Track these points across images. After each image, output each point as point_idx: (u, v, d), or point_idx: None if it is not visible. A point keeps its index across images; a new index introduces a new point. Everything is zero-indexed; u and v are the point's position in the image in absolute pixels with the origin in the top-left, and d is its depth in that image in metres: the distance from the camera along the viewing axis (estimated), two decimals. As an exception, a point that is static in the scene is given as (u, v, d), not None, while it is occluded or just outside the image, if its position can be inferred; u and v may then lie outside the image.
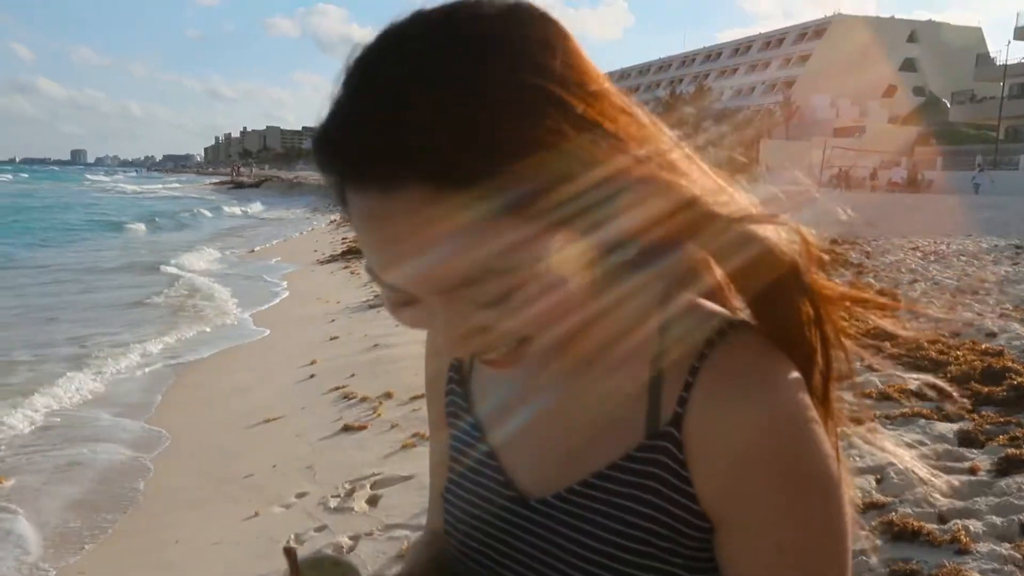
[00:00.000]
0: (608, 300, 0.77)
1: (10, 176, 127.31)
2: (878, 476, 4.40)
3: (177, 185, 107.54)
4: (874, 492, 4.21)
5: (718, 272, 0.83)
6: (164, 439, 6.35)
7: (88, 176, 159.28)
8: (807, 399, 0.74)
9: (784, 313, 0.77)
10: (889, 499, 4.09)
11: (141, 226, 32.16)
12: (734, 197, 0.77)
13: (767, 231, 0.76)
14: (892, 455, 0.88)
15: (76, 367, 8.44)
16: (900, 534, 3.68)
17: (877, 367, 0.88)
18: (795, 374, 0.74)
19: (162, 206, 50.87)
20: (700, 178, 0.75)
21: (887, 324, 0.81)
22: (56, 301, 13.40)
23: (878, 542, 3.67)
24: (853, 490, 0.81)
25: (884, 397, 5.69)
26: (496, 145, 0.63)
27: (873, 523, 3.83)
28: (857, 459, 4.66)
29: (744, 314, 0.81)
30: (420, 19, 0.67)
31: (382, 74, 0.65)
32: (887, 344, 5.11)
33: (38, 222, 33.86)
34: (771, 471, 0.72)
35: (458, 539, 0.89)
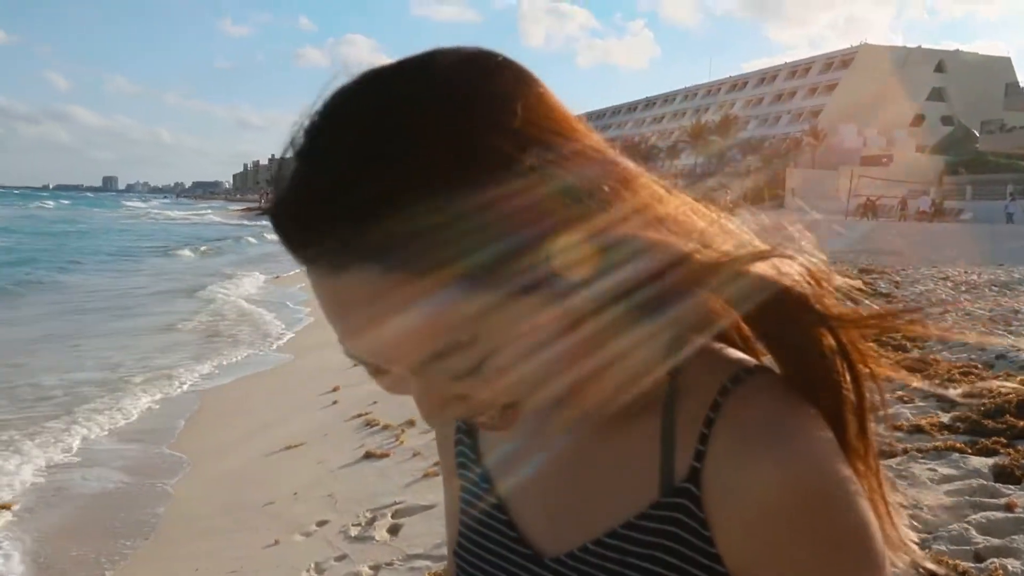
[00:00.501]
0: (609, 352, 0.72)
1: (51, 203, 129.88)
2: (910, 512, 4.29)
3: (209, 211, 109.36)
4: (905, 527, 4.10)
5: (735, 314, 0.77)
6: (185, 465, 6.34)
7: (125, 203, 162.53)
8: (835, 450, 0.67)
9: (803, 347, 0.71)
10: (923, 535, 3.98)
11: (187, 252, 32.60)
12: (733, 237, 0.71)
13: (768, 268, 0.70)
14: None
15: (106, 391, 8.48)
16: (934, 572, 3.57)
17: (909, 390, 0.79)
18: (819, 422, 0.68)
19: (203, 232, 51.68)
20: (692, 224, 0.70)
21: (918, 330, 0.74)
22: (94, 326, 13.53)
23: (912, 580, 3.56)
24: (909, 544, 0.77)
25: (916, 430, 5.57)
26: (443, 220, 0.58)
27: (906, 559, 3.73)
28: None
29: (767, 359, 0.75)
30: (367, 82, 0.63)
31: (323, 147, 0.61)
32: (918, 375, 5.01)
33: (90, 247, 34.31)
34: (799, 535, 0.66)
35: None
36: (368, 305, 0.60)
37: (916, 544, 0.77)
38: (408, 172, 0.58)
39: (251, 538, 4.80)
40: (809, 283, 0.71)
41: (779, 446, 0.66)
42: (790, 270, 0.70)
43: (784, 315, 0.70)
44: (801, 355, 0.71)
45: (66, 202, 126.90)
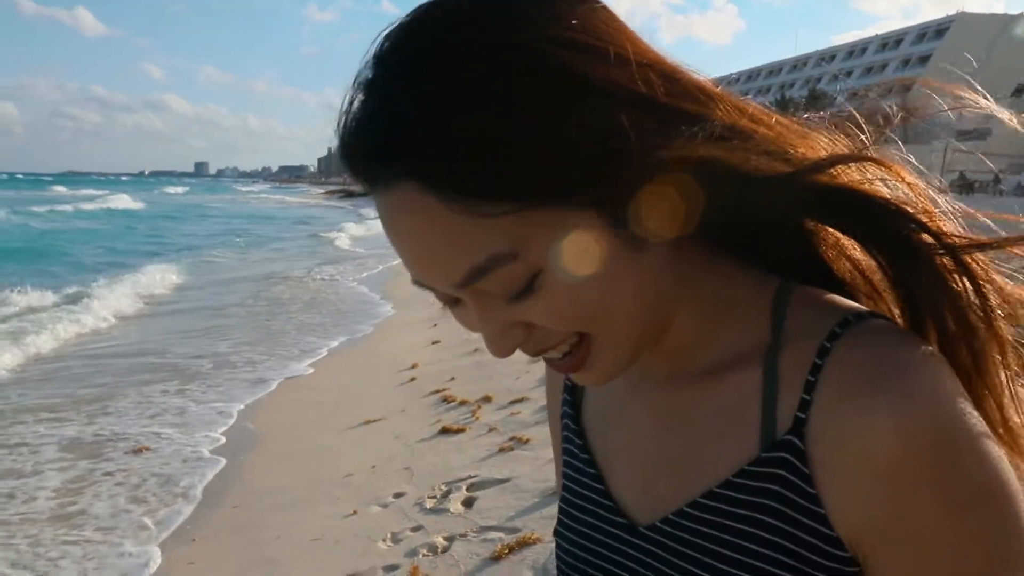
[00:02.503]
0: (706, 289, 0.70)
1: (181, 188, 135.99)
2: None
3: (315, 192, 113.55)
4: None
5: (848, 264, 0.73)
6: (269, 439, 6.55)
7: (235, 187, 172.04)
8: (959, 392, 0.61)
9: (919, 266, 0.64)
10: None
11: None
12: (818, 143, 0.67)
13: (858, 176, 0.66)
14: None
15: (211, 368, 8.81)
16: None
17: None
18: (941, 363, 0.62)
19: (318, 213, 53.38)
20: (770, 130, 0.65)
21: None
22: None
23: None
24: None
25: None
26: (473, 141, 0.58)
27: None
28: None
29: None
30: (421, 19, 0.63)
31: (378, 77, 0.62)
32: None
33: (246, 232, 35.42)
34: (921, 492, 0.59)
35: (568, 567, 0.82)
36: (414, 220, 0.61)
37: None
38: (450, 93, 0.58)
39: (331, 508, 4.94)
40: (910, 196, 0.66)
41: (896, 391, 0.59)
42: (888, 182, 0.66)
43: (890, 232, 0.66)
44: (918, 275, 0.65)
45: (185, 189, 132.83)
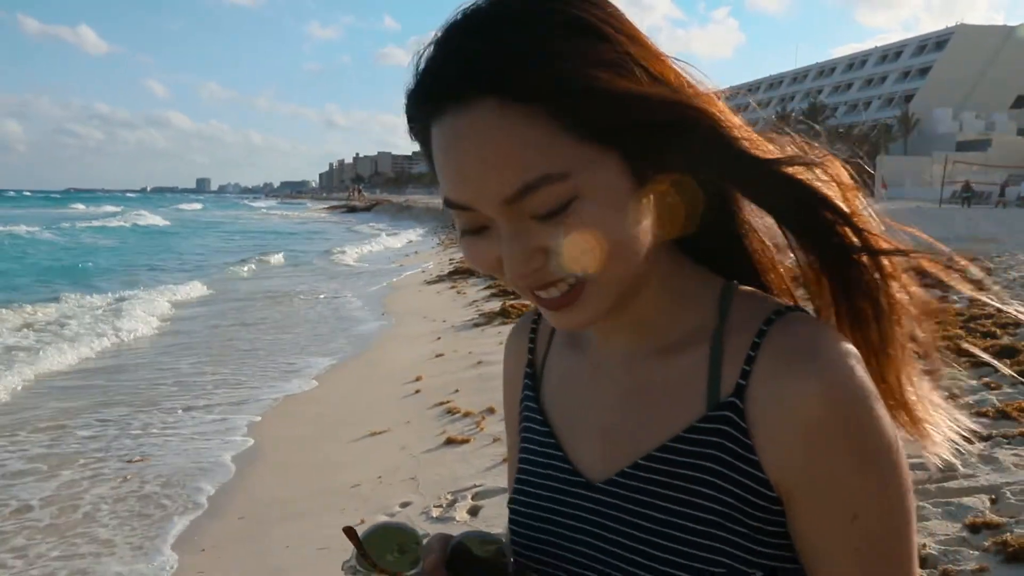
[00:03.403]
0: (669, 276, 0.84)
1: (198, 205, 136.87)
2: (992, 496, 4.22)
3: (319, 208, 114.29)
4: (988, 512, 4.04)
5: (780, 270, 0.89)
6: (275, 451, 6.61)
7: (244, 202, 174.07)
8: (866, 372, 0.76)
9: (838, 260, 0.81)
10: (1005, 519, 3.92)
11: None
12: (772, 143, 0.82)
13: (803, 173, 0.81)
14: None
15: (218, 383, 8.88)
16: (1015, 555, 3.52)
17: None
18: (852, 348, 0.77)
19: (331, 230, 53.88)
20: (740, 125, 0.81)
21: (942, 276, 0.83)
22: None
23: (989, 564, 3.52)
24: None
25: (1002, 415, 5.45)
26: (553, 69, 0.72)
27: (987, 543, 3.68)
28: (970, 479, 4.48)
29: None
30: None
31: (465, 21, 0.76)
32: (1006, 362, 4.95)
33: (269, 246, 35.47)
34: (841, 444, 0.74)
35: (524, 530, 0.92)
36: (485, 136, 0.73)
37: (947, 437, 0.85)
38: (526, 28, 0.74)
39: (338, 518, 5.00)
40: (840, 188, 0.81)
41: (818, 365, 0.75)
42: (825, 177, 0.81)
43: (818, 217, 0.80)
44: (837, 256, 0.81)
45: (200, 206, 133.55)
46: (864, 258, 0.81)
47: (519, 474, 0.96)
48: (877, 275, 0.81)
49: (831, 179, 0.82)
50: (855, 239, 0.80)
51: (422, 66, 0.77)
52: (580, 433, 0.91)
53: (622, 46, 0.76)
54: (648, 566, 0.80)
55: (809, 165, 0.81)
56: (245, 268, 24.65)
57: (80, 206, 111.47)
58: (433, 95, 0.76)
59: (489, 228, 0.77)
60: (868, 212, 0.83)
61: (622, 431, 0.86)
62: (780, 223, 0.84)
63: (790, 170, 0.81)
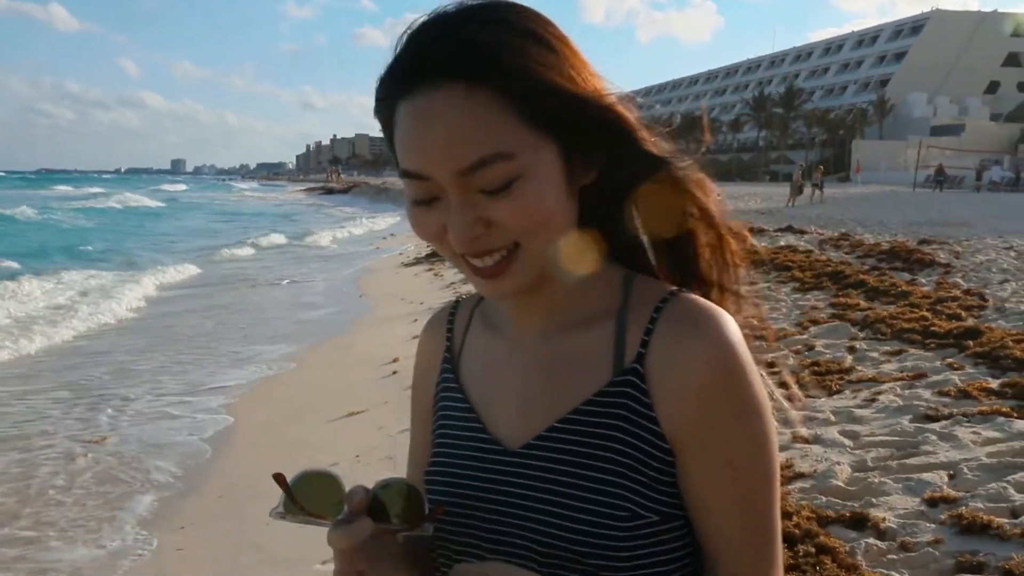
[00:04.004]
0: (581, 260, 0.96)
1: (182, 186, 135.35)
2: (951, 472, 4.37)
3: (297, 190, 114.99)
4: (945, 487, 4.19)
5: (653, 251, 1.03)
6: (253, 431, 6.68)
7: (233, 184, 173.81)
8: (743, 341, 0.91)
9: (691, 242, 0.99)
10: (961, 494, 4.07)
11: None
12: (659, 142, 0.96)
13: (682, 171, 0.96)
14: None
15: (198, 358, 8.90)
16: (969, 527, 3.67)
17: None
18: (732, 321, 0.92)
19: (309, 212, 54.46)
20: (643, 127, 0.95)
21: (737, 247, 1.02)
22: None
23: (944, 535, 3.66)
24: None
25: (964, 395, 5.61)
26: (511, 63, 0.85)
27: (943, 516, 3.82)
28: (930, 456, 4.63)
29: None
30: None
31: (438, 19, 0.88)
32: (969, 343, 5.12)
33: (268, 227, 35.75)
34: (722, 399, 0.88)
35: (442, 497, 0.99)
36: (451, 113, 0.84)
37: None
38: (496, 26, 0.87)
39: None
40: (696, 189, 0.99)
41: (704, 334, 0.89)
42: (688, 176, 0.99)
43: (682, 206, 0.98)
44: (696, 247, 1.00)
45: (185, 187, 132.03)
46: (711, 237, 1.00)
47: (437, 448, 1.05)
48: (718, 242, 1.00)
49: (695, 176, 0.99)
50: (709, 222, 0.99)
51: (397, 53, 0.89)
52: (498, 406, 1.00)
53: (565, 57, 0.89)
54: (560, 514, 0.90)
55: (687, 166, 0.97)
56: (240, 250, 25.01)
57: (65, 187, 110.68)
58: (407, 77, 0.86)
59: (439, 200, 0.88)
60: (717, 200, 1.01)
61: (537, 400, 0.96)
62: (657, 205, 0.98)
63: (677, 168, 0.96)
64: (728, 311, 0.95)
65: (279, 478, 0.91)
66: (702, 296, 0.96)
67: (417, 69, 0.86)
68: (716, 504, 0.90)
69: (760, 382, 0.91)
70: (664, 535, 0.90)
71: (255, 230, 33.45)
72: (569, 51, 0.91)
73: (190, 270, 19.25)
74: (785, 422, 0.99)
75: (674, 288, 0.96)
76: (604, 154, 0.93)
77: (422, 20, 0.89)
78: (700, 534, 0.92)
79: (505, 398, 1.00)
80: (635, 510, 0.89)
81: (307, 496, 0.91)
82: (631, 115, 0.94)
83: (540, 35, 0.89)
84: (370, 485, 0.94)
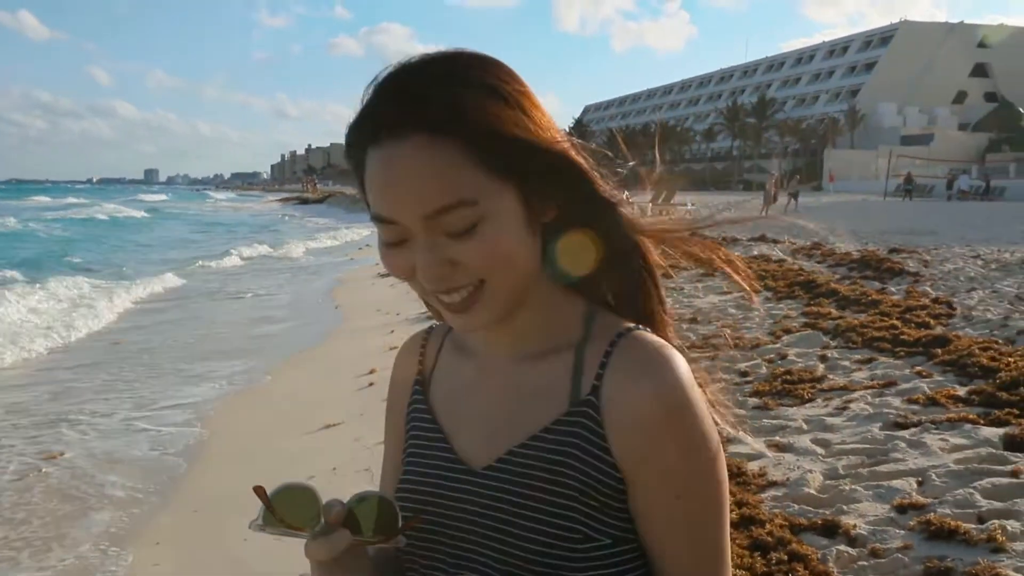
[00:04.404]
0: (546, 298, 1.03)
1: (164, 196, 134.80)
2: (920, 479, 4.45)
3: (272, 200, 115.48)
4: (914, 493, 4.26)
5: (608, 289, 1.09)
6: (228, 445, 6.65)
7: (210, 194, 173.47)
8: (692, 380, 0.96)
9: (632, 279, 1.06)
10: (930, 500, 4.14)
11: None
12: (609, 185, 1.04)
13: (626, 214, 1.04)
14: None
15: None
16: (937, 533, 3.74)
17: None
18: (682, 360, 0.98)
19: (283, 222, 54.92)
20: (591, 168, 1.02)
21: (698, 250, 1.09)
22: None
23: (913, 541, 3.73)
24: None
25: (932, 402, 5.70)
26: (469, 116, 0.91)
27: (912, 523, 3.89)
28: (899, 463, 4.71)
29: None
30: (446, 55, 0.97)
31: (401, 72, 0.94)
32: (938, 351, 5.22)
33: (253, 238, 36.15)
34: (670, 435, 0.93)
35: (412, 511, 1.04)
36: (416, 162, 0.90)
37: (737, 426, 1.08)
38: (459, 85, 0.92)
39: (293, 509, 5.06)
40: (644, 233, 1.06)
41: (654, 373, 0.95)
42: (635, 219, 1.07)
43: (629, 251, 1.06)
44: (642, 286, 1.06)
45: (169, 196, 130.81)
46: (649, 279, 1.07)
47: (407, 467, 1.11)
48: (644, 267, 1.06)
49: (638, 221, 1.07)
50: (647, 254, 1.07)
51: (364, 103, 0.95)
52: (464, 427, 1.07)
53: (523, 109, 0.96)
54: (521, 535, 0.96)
55: (625, 204, 1.06)
56: (224, 261, 25.21)
57: (42, 198, 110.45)
58: (373, 128, 0.93)
59: (408, 241, 0.94)
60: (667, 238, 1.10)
61: (501, 424, 1.02)
62: (606, 243, 1.04)
63: (620, 208, 1.04)
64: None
65: (259, 491, 0.94)
66: (652, 332, 1.02)
67: (382, 121, 0.92)
68: (666, 533, 0.96)
69: (708, 418, 0.96)
70: (616, 557, 0.96)
71: (237, 241, 33.70)
72: (528, 102, 0.97)
73: (172, 281, 19.18)
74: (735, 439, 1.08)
75: (630, 325, 1.02)
76: (559, 191, 0.99)
77: (387, 72, 0.95)
78: (651, 558, 0.98)
79: (471, 420, 1.06)
80: (588, 533, 0.94)
81: (286, 509, 0.95)
82: (583, 161, 1.00)
83: (499, 89, 0.94)
84: (347, 497, 0.98)
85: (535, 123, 0.96)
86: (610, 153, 1.07)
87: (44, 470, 6.10)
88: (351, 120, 0.96)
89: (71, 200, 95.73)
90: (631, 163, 1.09)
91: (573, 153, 0.99)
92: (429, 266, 0.93)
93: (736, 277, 1.10)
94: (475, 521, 1.00)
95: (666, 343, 1.00)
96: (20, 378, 9.29)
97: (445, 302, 0.96)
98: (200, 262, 24.24)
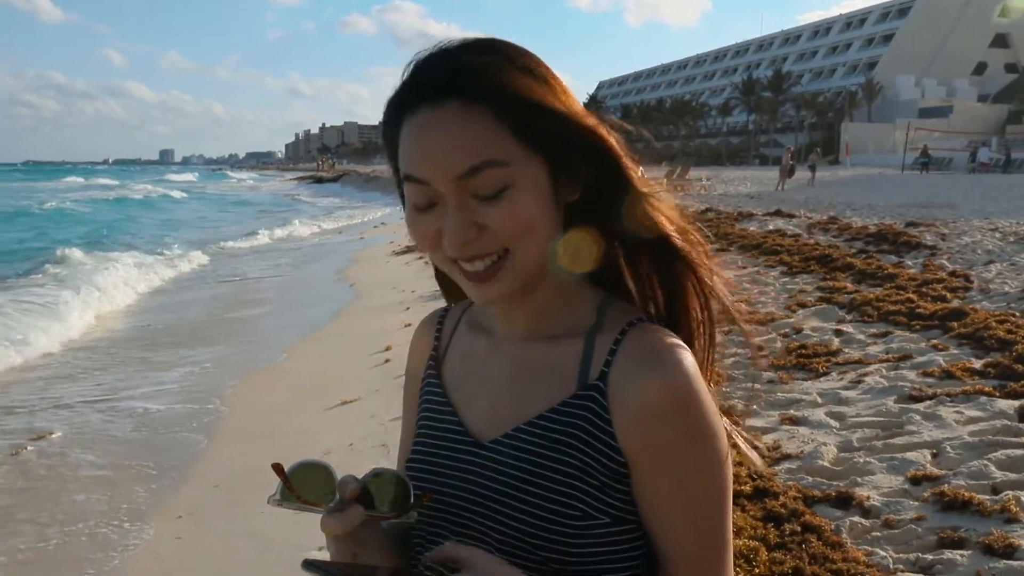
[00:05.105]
0: (563, 282, 1.05)
1: (192, 176, 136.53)
2: (934, 451, 4.46)
3: (289, 179, 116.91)
4: (929, 465, 4.27)
5: (634, 283, 1.10)
6: (246, 422, 6.73)
7: (230, 174, 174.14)
8: (698, 372, 0.98)
9: (671, 283, 1.06)
10: (944, 472, 4.15)
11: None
12: (640, 170, 1.04)
13: (658, 206, 1.04)
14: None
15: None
16: (951, 504, 3.75)
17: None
18: (688, 353, 0.99)
19: (301, 201, 55.70)
20: (626, 153, 1.03)
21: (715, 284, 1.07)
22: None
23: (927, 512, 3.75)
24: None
25: (947, 375, 5.69)
26: (502, 84, 0.95)
27: (926, 494, 3.91)
28: (914, 435, 4.72)
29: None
30: (485, 39, 1.01)
31: (439, 50, 0.98)
32: (954, 324, 5.22)
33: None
34: (674, 424, 0.95)
35: (420, 482, 1.07)
36: (452, 126, 0.93)
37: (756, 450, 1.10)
38: (494, 57, 0.97)
39: (311, 484, 5.12)
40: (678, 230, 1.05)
41: (662, 363, 0.97)
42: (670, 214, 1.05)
43: (658, 244, 1.05)
44: (671, 286, 1.06)
45: (195, 175, 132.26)
46: (694, 278, 1.06)
47: (418, 438, 1.14)
48: (703, 290, 1.06)
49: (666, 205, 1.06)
50: (687, 263, 1.05)
51: (402, 80, 0.99)
52: (474, 402, 1.09)
53: (551, 86, 0.99)
54: (521, 508, 0.98)
55: (657, 192, 1.06)
56: (253, 240, 25.74)
57: (76, 178, 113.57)
58: (411, 99, 0.96)
59: (436, 206, 0.97)
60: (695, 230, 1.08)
61: (509, 401, 1.05)
62: (628, 232, 1.05)
63: (651, 198, 1.04)
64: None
65: (277, 468, 0.97)
66: (663, 326, 1.03)
67: (419, 91, 0.96)
68: (668, 517, 0.98)
69: (714, 409, 0.97)
70: (615, 536, 0.98)
71: (262, 219, 35.04)
72: (556, 83, 1.00)
73: (200, 259, 19.82)
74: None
75: (642, 315, 1.04)
76: (590, 173, 1.01)
77: (425, 52, 0.99)
78: (653, 541, 1.00)
79: (481, 395, 1.09)
80: (587, 511, 0.97)
81: (303, 485, 0.98)
82: (613, 139, 1.02)
83: (532, 69, 0.98)
84: (363, 473, 1.01)
85: (564, 101, 0.99)
86: (631, 128, 1.08)
87: (57, 445, 6.20)
88: (388, 98, 1.00)
89: (102, 181, 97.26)
90: (645, 141, 1.10)
91: (602, 130, 1.01)
92: (457, 227, 0.95)
93: (740, 322, 1.09)
94: (478, 492, 1.02)
95: (675, 338, 1.01)
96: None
97: (468, 271, 0.98)
98: (227, 242, 24.58)
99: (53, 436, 6.44)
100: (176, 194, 64.39)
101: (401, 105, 0.97)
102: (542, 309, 1.06)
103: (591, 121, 1.00)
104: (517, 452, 1.00)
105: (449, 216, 0.95)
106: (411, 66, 0.99)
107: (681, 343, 1.00)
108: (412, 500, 1.01)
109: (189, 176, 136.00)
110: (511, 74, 0.95)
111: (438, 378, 1.16)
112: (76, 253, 19.08)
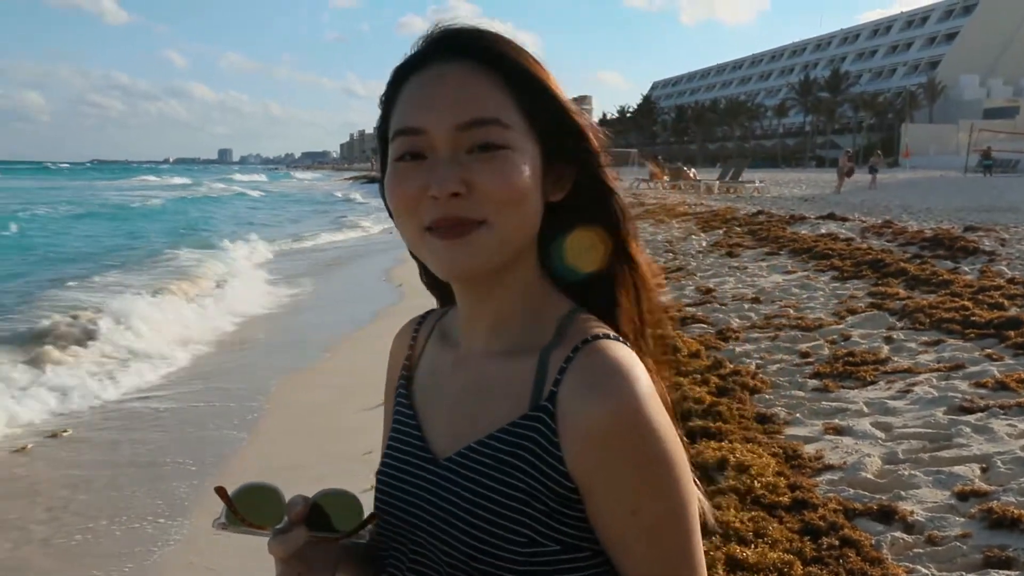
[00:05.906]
0: (530, 288, 1.03)
1: (263, 177, 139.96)
2: (984, 465, 4.31)
3: (346, 179, 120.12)
4: (977, 480, 4.13)
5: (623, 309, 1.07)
6: (289, 419, 6.79)
7: (293, 175, 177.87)
8: (654, 394, 0.93)
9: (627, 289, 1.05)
10: (993, 488, 4.01)
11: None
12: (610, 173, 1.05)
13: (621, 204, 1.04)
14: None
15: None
16: (999, 522, 3.62)
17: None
18: (644, 373, 0.94)
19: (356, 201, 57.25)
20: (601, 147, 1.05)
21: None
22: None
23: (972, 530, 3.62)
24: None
25: (1001, 387, 5.51)
26: (511, 55, 0.99)
27: (973, 510, 3.78)
28: (963, 448, 4.57)
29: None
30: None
31: (446, 27, 1.02)
32: (1010, 334, 5.03)
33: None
34: (623, 450, 0.90)
35: (383, 497, 1.08)
36: (461, 81, 0.96)
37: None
38: (509, 43, 1.01)
39: (349, 483, 5.02)
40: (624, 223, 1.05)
41: (611, 386, 0.92)
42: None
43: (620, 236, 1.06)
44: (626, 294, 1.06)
45: (263, 177, 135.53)
46: (632, 283, 1.06)
47: (385, 452, 1.13)
48: (641, 297, 1.06)
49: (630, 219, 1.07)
50: (630, 266, 1.05)
51: (440, 32, 1.01)
52: (436, 417, 1.08)
53: (552, 77, 1.02)
54: (466, 530, 0.96)
55: (627, 205, 1.07)
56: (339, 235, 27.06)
57: (150, 177, 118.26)
58: (423, 57, 0.99)
59: (425, 160, 0.95)
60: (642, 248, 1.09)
61: (468, 418, 1.02)
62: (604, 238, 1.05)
63: (612, 185, 1.05)
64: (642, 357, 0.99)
65: (221, 491, 0.96)
66: (623, 339, 1.00)
67: (434, 48, 0.99)
68: (624, 546, 0.94)
69: (667, 431, 0.92)
70: (566, 564, 0.94)
71: (328, 217, 37.02)
72: (556, 83, 1.03)
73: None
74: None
75: (599, 332, 0.98)
76: (573, 172, 1.01)
77: (437, 26, 1.02)
78: (616, 568, 0.95)
79: (442, 411, 1.07)
80: (534, 537, 0.93)
81: (248, 508, 0.97)
82: (597, 141, 1.03)
83: (537, 60, 1.02)
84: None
85: (563, 94, 1.02)
86: (610, 135, 1.08)
87: (99, 438, 6.32)
88: (397, 65, 1.02)
89: (177, 180, 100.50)
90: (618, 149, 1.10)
91: (590, 131, 1.02)
92: (446, 176, 0.93)
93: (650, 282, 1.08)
94: (431, 511, 1.00)
95: (630, 355, 0.96)
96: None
97: (446, 227, 0.95)
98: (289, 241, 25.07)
99: (97, 430, 6.58)
100: (254, 193, 67.02)
101: (411, 64, 0.99)
102: (504, 319, 1.03)
103: (584, 117, 1.02)
104: (467, 472, 0.98)
105: (440, 165, 0.93)
106: (426, 33, 1.01)
107: (635, 362, 0.95)
108: (363, 519, 0.99)
109: (257, 176, 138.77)
110: (523, 53, 1.00)
111: (407, 390, 1.15)
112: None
